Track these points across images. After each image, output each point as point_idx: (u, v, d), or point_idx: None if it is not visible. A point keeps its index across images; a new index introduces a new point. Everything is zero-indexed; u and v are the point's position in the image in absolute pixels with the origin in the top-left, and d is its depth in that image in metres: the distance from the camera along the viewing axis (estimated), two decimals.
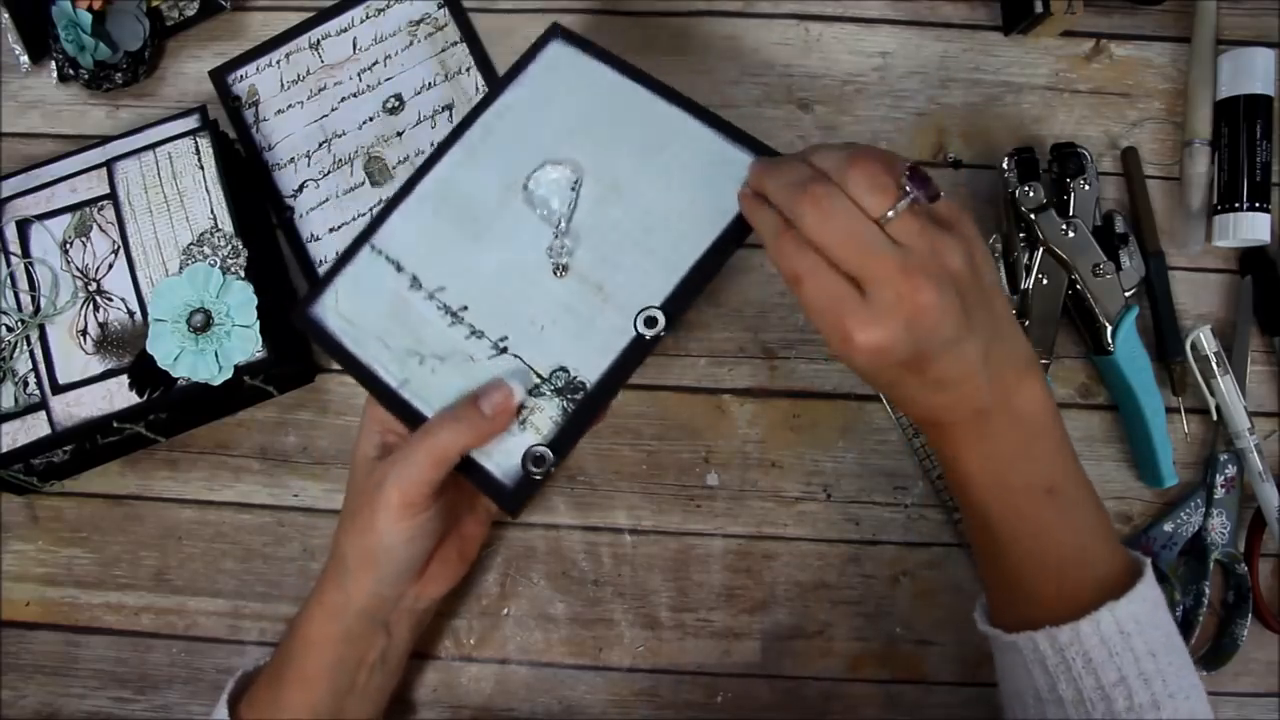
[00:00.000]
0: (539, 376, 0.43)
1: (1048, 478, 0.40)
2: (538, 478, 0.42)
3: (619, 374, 0.43)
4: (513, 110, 0.48)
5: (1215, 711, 0.51)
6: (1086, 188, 0.53)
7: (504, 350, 0.44)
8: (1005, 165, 0.54)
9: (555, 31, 0.49)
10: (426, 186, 0.47)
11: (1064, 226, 0.52)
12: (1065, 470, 0.40)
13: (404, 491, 0.40)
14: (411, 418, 0.44)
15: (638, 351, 0.43)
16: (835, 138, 0.58)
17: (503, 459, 0.42)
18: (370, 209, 0.56)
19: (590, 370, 0.43)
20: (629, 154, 0.46)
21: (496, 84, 0.49)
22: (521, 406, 0.42)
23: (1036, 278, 0.52)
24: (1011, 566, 0.40)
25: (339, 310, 0.46)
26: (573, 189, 0.45)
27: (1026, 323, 0.53)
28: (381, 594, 0.44)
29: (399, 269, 0.46)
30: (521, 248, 0.45)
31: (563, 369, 0.43)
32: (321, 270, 0.56)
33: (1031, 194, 0.53)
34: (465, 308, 0.45)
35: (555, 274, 0.44)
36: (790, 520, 0.54)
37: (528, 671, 0.53)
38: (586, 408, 0.43)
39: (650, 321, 0.43)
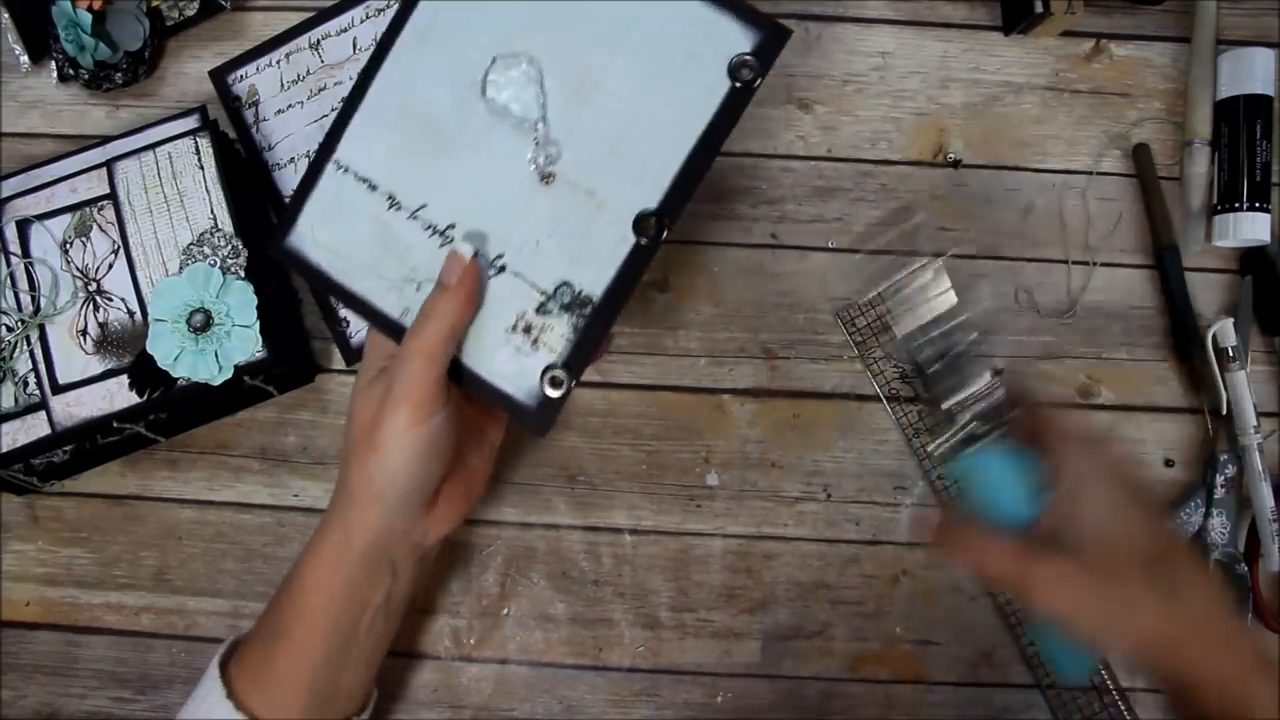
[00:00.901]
0: (542, 294, 0.41)
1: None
2: (557, 398, 0.41)
3: (624, 284, 0.41)
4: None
5: None
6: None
7: (503, 269, 0.42)
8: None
9: None
10: (377, 91, 0.43)
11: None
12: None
13: (408, 394, 0.39)
14: None
15: (641, 258, 0.41)
16: (835, 138, 0.58)
17: (521, 380, 0.41)
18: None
19: (594, 283, 0.41)
20: (596, 34, 0.41)
21: None
22: (529, 327, 0.41)
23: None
24: None
25: (317, 239, 0.43)
26: (539, 88, 0.41)
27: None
28: (388, 526, 0.42)
29: (372, 188, 0.43)
30: (500, 156, 0.42)
31: (566, 284, 0.41)
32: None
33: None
34: (452, 226, 0.42)
35: (542, 183, 0.41)
36: (790, 520, 0.54)
37: (528, 671, 0.53)
38: (596, 321, 0.41)
39: (649, 225, 0.40)
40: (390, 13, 0.58)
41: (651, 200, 0.40)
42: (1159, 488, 0.54)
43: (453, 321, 0.40)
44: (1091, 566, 0.36)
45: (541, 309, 0.41)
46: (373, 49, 0.44)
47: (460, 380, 0.41)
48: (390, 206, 0.43)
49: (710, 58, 0.40)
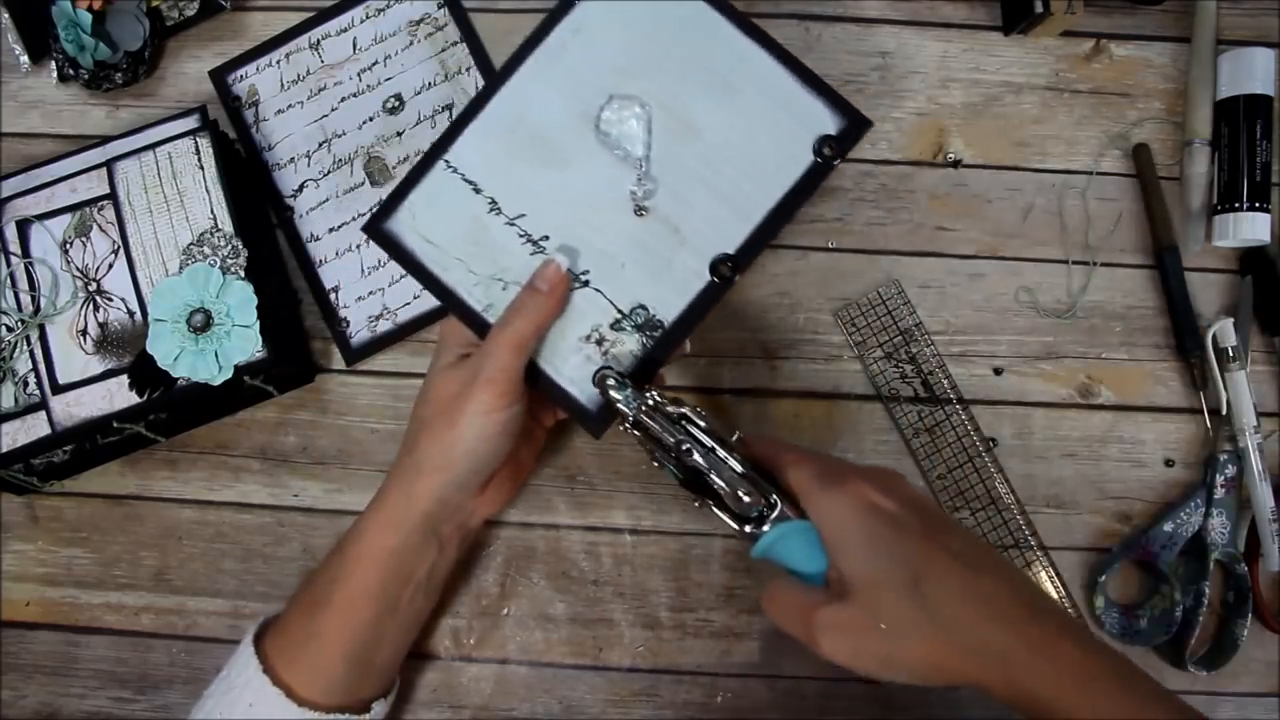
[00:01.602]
0: (620, 312, 0.45)
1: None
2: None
3: (694, 315, 0.46)
4: (587, 27, 0.47)
5: (1215, 711, 0.51)
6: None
7: (586, 284, 0.46)
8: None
9: None
10: (499, 104, 0.47)
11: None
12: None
13: (495, 381, 0.42)
14: None
15: (713, 295, 0.45)
16: None
17: (587, 386, 0.45)
18: (370, 209, 0.56)
19: (667, 309, 0.46)
20: (704, 89, 0.46)
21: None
22: (603, 339, 0.45)
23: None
24: None
25: (417, 228, 0.47)
26: (648, 130, 0.46)
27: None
28: (448, 498, 0.45)
29: (477, 190, 0.47)
30: (601, 181, 0.46)
31: (642, 306, 0.45)
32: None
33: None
34: (546, 237, 0.46)
35: (635, 213, 0.46)
36: None
37: (528, 671, 0.53)
38: (664, 344, 0.45)
39: (724, 268, 0.45)
40: (390, 13, 0.58)
41: (730, 246, 0.46)
42: (1155, 486, 0.54)
43: (539, 321, 0.44)
44: (857, 607, 0.37)
45: (616, 325, 0.45)
46: (504, 63, 0.48)
47: (531, 378, 0.45)
48: (491, 210, 0.47)
49: (799, 132, 0.46)
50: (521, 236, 0.46)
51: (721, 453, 0.42)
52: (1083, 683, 0.35)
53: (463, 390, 0.43)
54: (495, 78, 0.47)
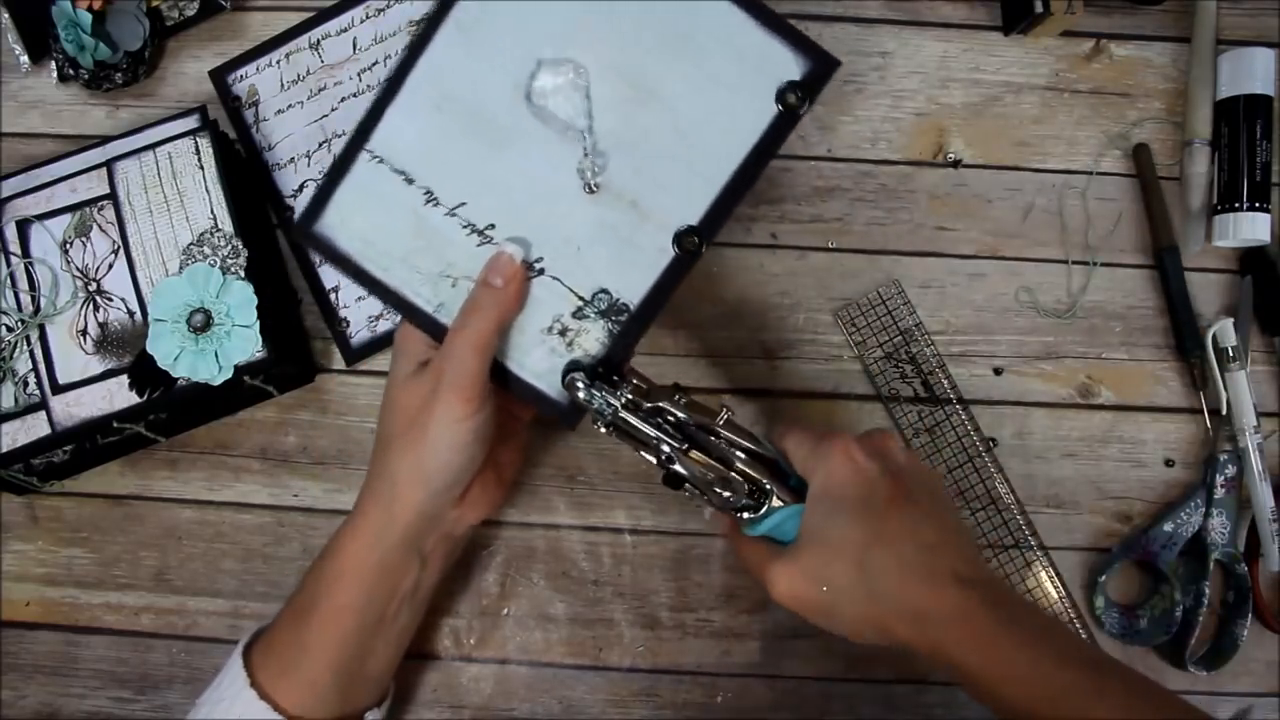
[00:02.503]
0: (580, 299, 0.43)
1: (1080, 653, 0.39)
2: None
3: (661, 294, 0.42)
4: None
5: (1215, 711, 0.51)
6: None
7: (541, 272, 0.43)
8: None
9: None
10: (418, 81, 0.42)
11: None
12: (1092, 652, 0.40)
13: (460, 387, 0.40)
14: None
15: (679, 271, 0.42)
16: (835, 138, 0.58)
17: (554, 379, 0.43)
18: None
19: (632, 291, 0.42)
20: (654, 43, 0.41)
21: None
22: (565, 329, 0.43)
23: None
24: None
25: (349, 228, 0.43)
26: (587, 97, 0.42)
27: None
28: (428, 512, 0.43)
29: (409, 181, 0.43)
30: (546, 160, 0.42)
31: (604, 291, 0.42)
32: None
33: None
34: (492, 225, 0.43)
35: (586, 191, 0.42)
36: None
37: (528, 671, 0.53)
38: (631, 329, 0.42)
39: (689, 241, 0.42)
40: (390, 13, 0.58)
41: (693, 216, 0.42)
42: (1155, 486, 0.54)
43: (499, 318, 0.42)
44: (811, 567, 0.40)
45: (578, 313, 0.43)
46: (417, 31, 0.43)
47: (496, 377, 0.42)
48: (428, 201, 0.43)
49: (760, 82, 0.41)
50: (465, 227, 0.42)
51: (702, 440, 0.42)
52: (989, 648, 0.37)
53: (427, 400, 0.41)
54: (409, 51, 0.42)
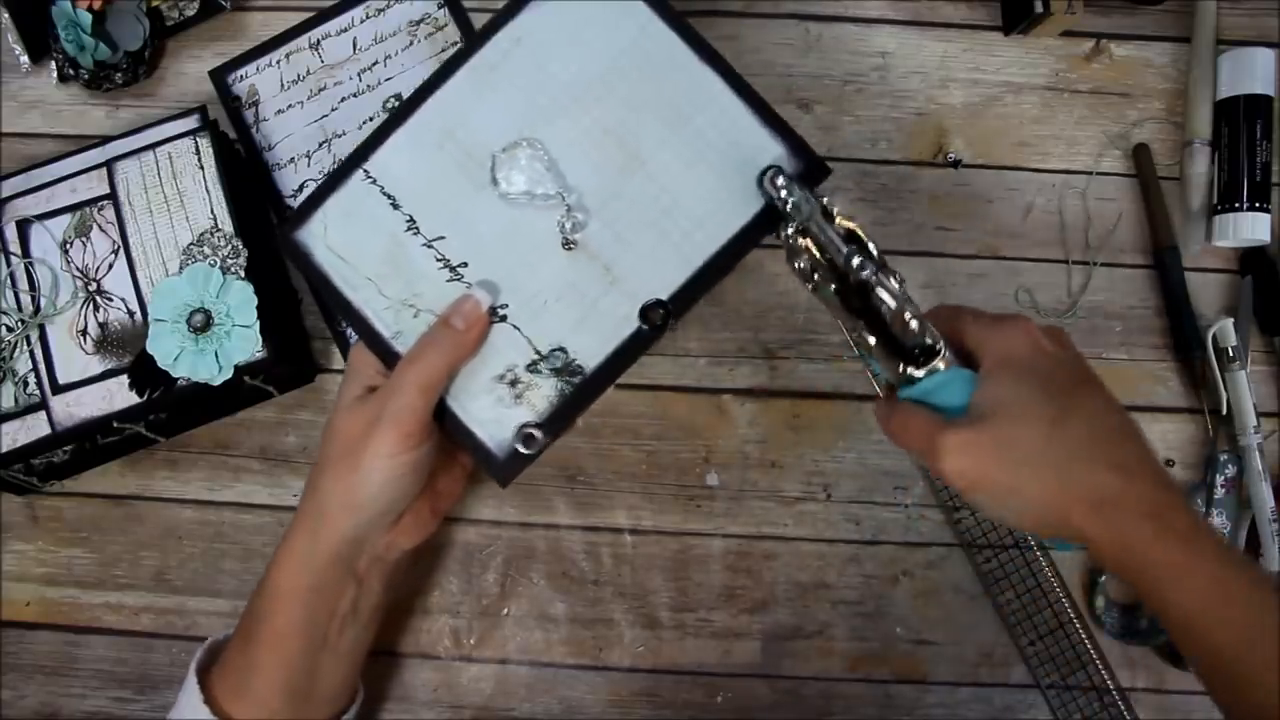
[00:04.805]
0: (537, 353, 0.42)
1: (1263, 577, 0.35)
2: (526, 455, 0.42)
3: (618, 364, 0.42)
4: (532, 38, 0.43)
5: (1215, 711, 0.51)
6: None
7: (503, 319, 0.42)
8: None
9: None
10: (428, 114, 0.43)
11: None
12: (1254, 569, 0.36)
13: (400, 422, 0.40)
14: None
15: (639, 344, 0.42)
16: (835, 138, 0.58)
17: (496, 430, 0.42)
18: None
19: (589, 355, 0.42)
20: (654, 117, 0.42)
21: (514, 2, 0.44)
22: (516, 380, 0.42)
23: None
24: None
25: (328, 242, 0.43)
26: (547, 167, 0.42)
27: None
28: (355, 538, 0.43)
29: (395, 205, 0.43)
30: (530, 211, 0.43)
31: (561, 349, 0.42)
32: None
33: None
34: (465, 264, 0.43)
35: (563, 247, 0.42)
36: (790, 520, 0.54)
37: (528, 671, 0.53)
38: (582, 393, 0.42)
39: (655, 315, 0.42)
40: (390, 13, 0.58)
41: (663, 291, 0.42)
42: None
43: (452, 361, 0.41)
44: (991, 435, 0.36)
45: (532, 367, 0.42)
46: (435, 70, 0.44)
47: (437, 414, 0.42)
48: (409, 229, 0.43)
49: (753, 174, 0.41)
50: (439, 260, 0.43)
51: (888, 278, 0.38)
52: (1188, 554, 0.34)
53: (367, 430, 0.41)
54: (426, 84, 0.43)
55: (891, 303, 0.38)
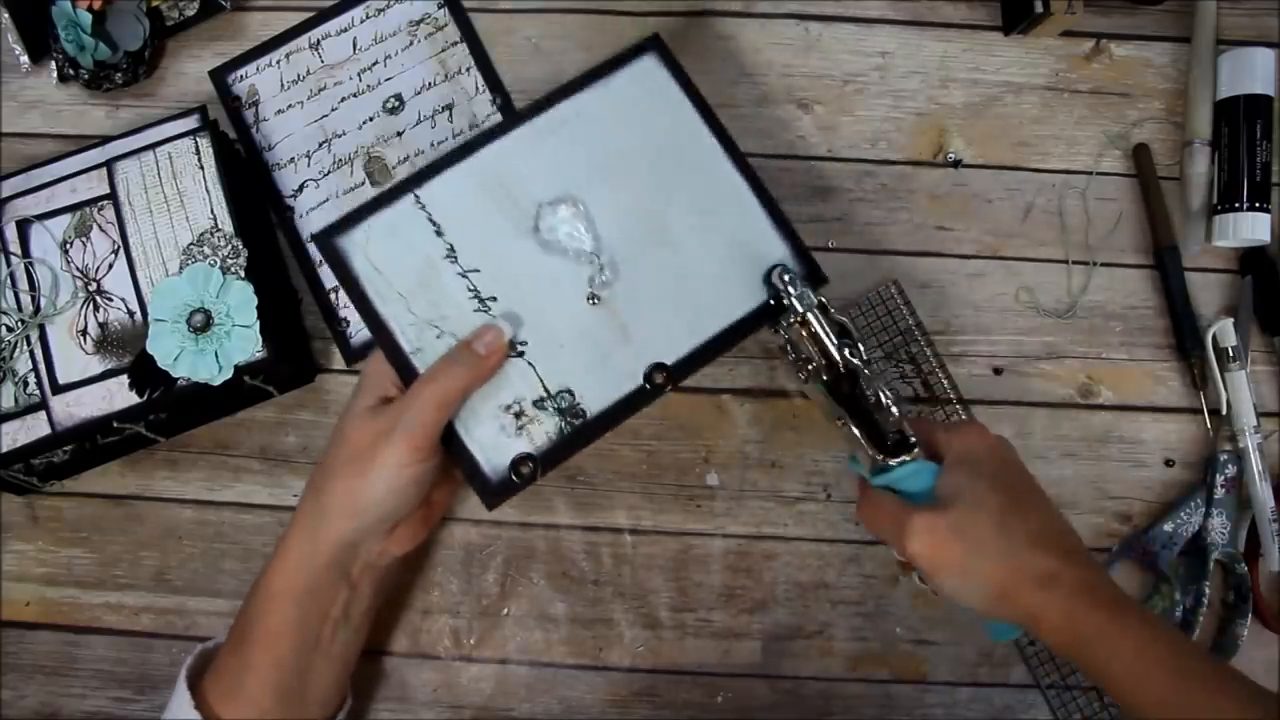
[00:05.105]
0: (546, 391, 0.45)
1: (1193, 655, 0.39)
2: (518, 483, 0.44)
3: (618, 414, 0.45)
4: (588, 112, 0.48)
5: None
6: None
7: (521, 355, 0.45)
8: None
9: (654, 44, 0.49)
10: (486, 157, 0.47)
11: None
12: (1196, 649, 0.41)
13: (413, 435, 0.42)
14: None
15: (641, 399, 0.45)
16: (835, 138, 0.58)
17: (494, 455, 0.44)
18: None
19: (593, 401, 0.45)
20: (684, 202, 0.47)
21: (581, 77, 0.48)
22: (522, 413, 0.45)
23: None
24: None
25: (368, 252, 0.46)
26: (587, 224, 0.46)
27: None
28: (352, 542, 0.44)
29: (439, 233, 0.46)
30: (564, 263, 0.46)
31: (569, 391, 0.45)
32: (334, 293, 0.56)
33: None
34: (494, 299, 0.46)
35: (588, 300, 0.46)
36: (790, 520, 0.54)
37: (528, 671, 0.53)
38: (580, 434, 0.45)
39: (658, 376, 0.45)
40: (390, 13, 0.58)
41: (669, 356, 0.46)
42: (1155, 486, 0.54)
43: (468, 384, 0.44)
44: (951, 520, 0.41)
45: (539, 403, 0.45)
46: (502, 121, 0.48)
47: (443, 435, 0.44)
48: (447, 256, 0.46)
49: (760, 269, 0.47)
50: (470, 291, 0.46)
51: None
52: (1115, 621, 0.38)
53: (378, 440, 0.42)
54: (488, 131, 0.47)
55: (879, 394, 0.44)
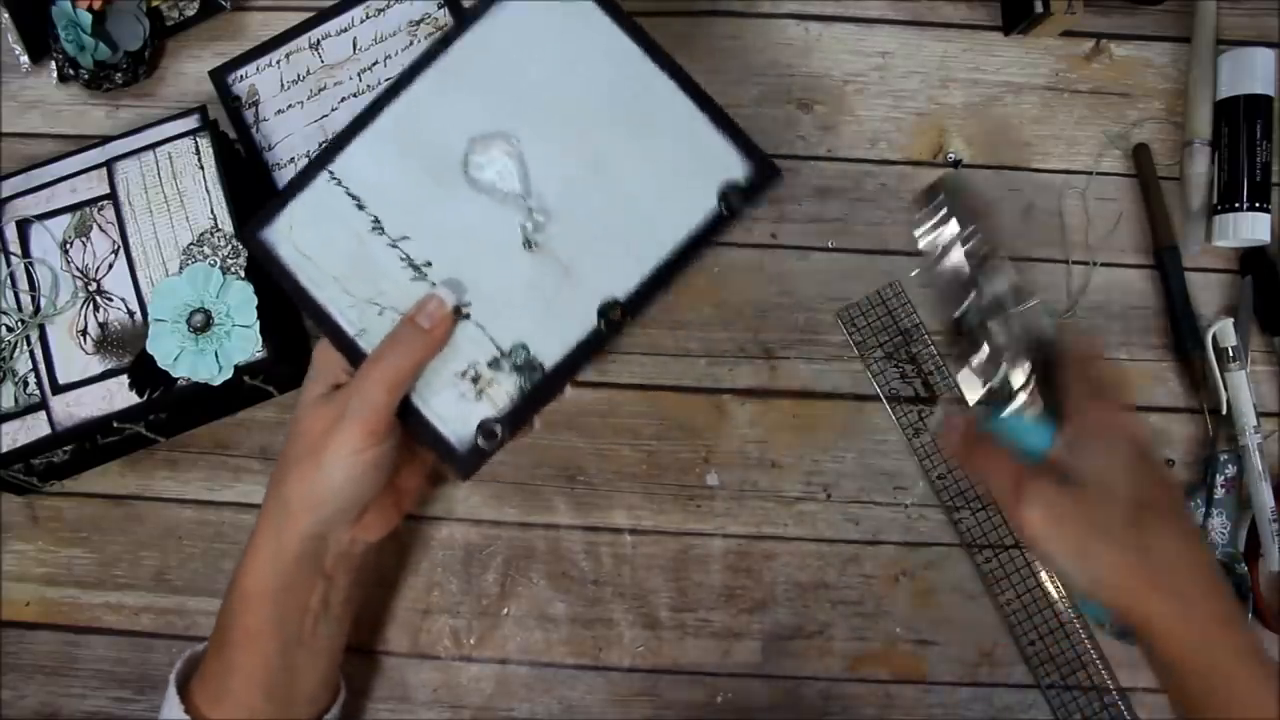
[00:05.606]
0: (499, 350, 0.43)
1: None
2: (487, 449, 0.43)
3: (576, 360, 0.43)
4: (498, 42, 0.44)
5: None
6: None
7: (466, 316, 0.43)
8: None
9: None
10: (393, 116, 0.44)
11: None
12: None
13: (364, 419, 0.41)
14: None
15: (596, 341, 0.43)
16: (835, 138, 0.58)
17: (458, 425, 0.43)
18: None
19: (549, 352, 0.43)
20: (613, 123, 0.44)
21: (478, 5, 0.45)
22: (479, 376, 0.43)
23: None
24: None
25: (294, 240, 0.44)
26: (521, 164, 0.44)
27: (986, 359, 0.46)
28: (318, 534, 0.43)
29: (360, 206, 0.44)
30: (492, 212, 0.44)
31: (523, 346, 0.43)
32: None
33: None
34: (429, 264, 0.44)
35: (525, 247, 0.44)
36: (790, 520, 0.54)
37: (528, 671, 0.53)
38: (542, 389, 0.43)
39: (613, 313, 0.43)
40: (390, 13, 0.58)
41: (621, 291, 0.43)
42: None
43: (417, 359, 0.42)
44: (1078, 498, 0.38)
45: (494, 364, 0.43)
46: (401, 71, 0.45)
47: (401, 412, 0.43)
48: (373, 229, 0.44)
49: (707, 178, 0.43)
50: (403, 260, 0.44)
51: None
52: (1253, 669, 0.36)
53: (330, 427, 0.41)
54: (390, 87, 0.44)
55: (1007, 338, 0.40)
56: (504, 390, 0.43)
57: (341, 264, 0.44)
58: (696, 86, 0.44)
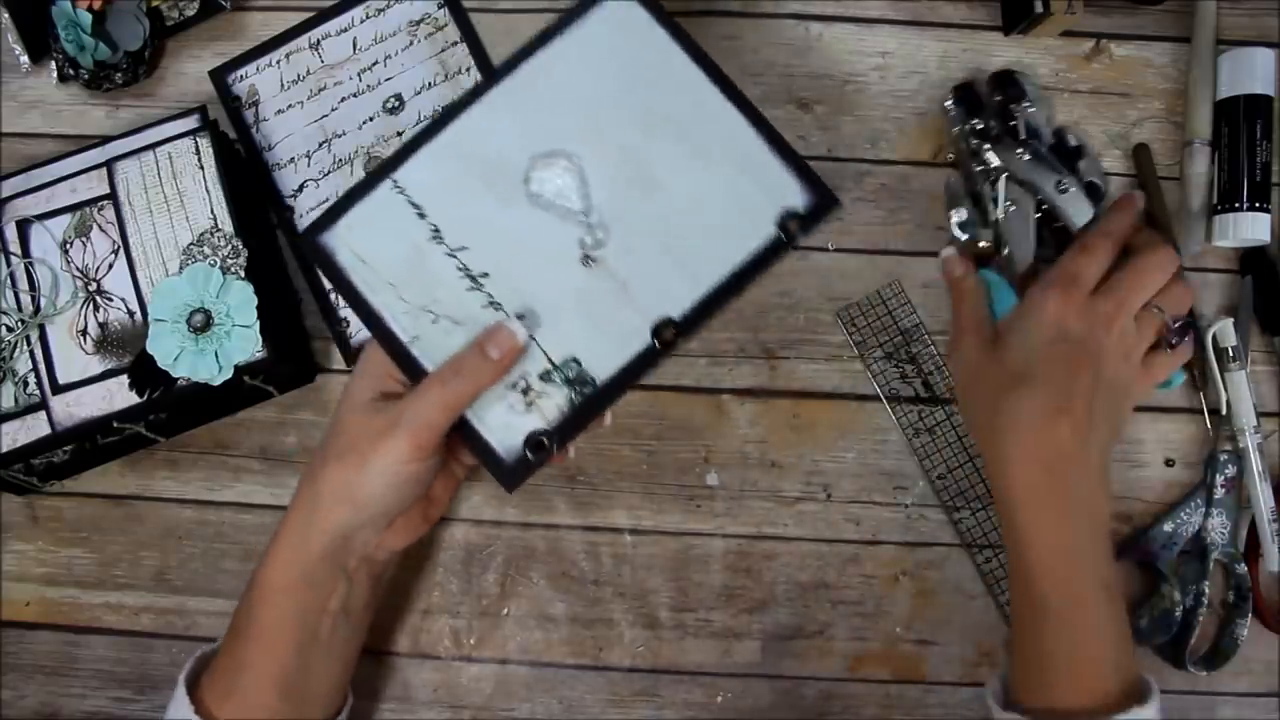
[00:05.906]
0: (551, 363, 0.43)
1: (1107, 576, 0.44)
2: (534, 461, 0.43)
3: (628, 376, 0.43)
4: (561, 64, 0.45)
5: (1215, 712, 0.51)
6: (1032, 110, 0.55)
7: (529, 337, 0.44)
8: (949, 105, 0.56)
9: None
10: (458, 130, 0.45)
11: (1019, 151, 0.53)
12: (1114, 574, 0.45)
13: (417, 434, 0.41)
14: (416, 373, 0.43)
15: (649, 359, 0.44)
16: (835, 138, 0.58)
17: (506, 436, 0.43)
18: None
19: (601, 367, 0.43)
20: (674, 145, 0.45)
21: (550, 28, 0.46)
22: (529, 389, 0.43)
23: (1005, 206, 0.53)
24: (1051, 652, 0.44)
25: (351, 244, 0.44)
26: (582, 181, 0.44)
27: (1006, 250, 0.53)
28: (347, 534, 0.43)
29: (421, 215, 0.44)
30: (551, 227, 0.44)
31: (575, 360, 0.43)
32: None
33: (980, 126, 0.55)
34: (486, 275, 0.44)
35: (582, 262, 0.44)
36: (790, 520, 0.54)
37: (528, 671, 0.53)
38: (592, 403, 0.43)
39: (666, 332, 0.43)
40: (390, 13, 0.58)
41: (676, 310, 0.44)
42: (1155, 486, 0.54)
43: (481, 386, 0.42)
44: (991, 359, 0.48)
45: (545, 376, 0.43)
46: (471, 88, 0.46)
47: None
48: (432, 238, 0.45)
49: (765, 203, 0.44)
50: (460, 270, 0.44)
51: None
52: (1039, 517, 0.45)
53: (380, 433, 0.41)
54: (459, 101, 0.45)
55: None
56: (554, 403, 0.43)
57: (398, 270, 0.44)
58: (758, 112, 0.44)
